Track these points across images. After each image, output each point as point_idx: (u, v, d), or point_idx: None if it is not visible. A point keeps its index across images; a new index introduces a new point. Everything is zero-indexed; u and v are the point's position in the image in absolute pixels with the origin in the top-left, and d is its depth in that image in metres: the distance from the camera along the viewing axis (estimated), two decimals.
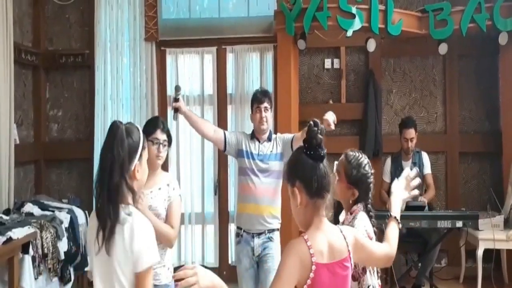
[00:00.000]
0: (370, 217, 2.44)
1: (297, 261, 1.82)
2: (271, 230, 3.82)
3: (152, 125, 3.16)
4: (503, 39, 5.13)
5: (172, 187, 3.12)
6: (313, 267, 1.83)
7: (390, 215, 2.36)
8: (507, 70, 5.38)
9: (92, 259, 2.12)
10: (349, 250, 1.93)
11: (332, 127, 3.54)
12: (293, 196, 1.93)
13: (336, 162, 2.51)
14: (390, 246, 2.25)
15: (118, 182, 2.02)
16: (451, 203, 5.71)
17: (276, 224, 3.85)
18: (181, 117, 3.81)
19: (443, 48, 5.21)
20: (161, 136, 3.09)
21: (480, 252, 4.91)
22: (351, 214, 2.42)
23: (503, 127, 5.48)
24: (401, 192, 2.46)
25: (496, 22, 5.06)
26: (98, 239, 2.02)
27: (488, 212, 5.03)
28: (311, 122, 1.92)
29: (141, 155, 2.11)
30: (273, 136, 3.93)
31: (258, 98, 3.88)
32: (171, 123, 5.69)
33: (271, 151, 3.85)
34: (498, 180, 5.56)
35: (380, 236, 2.40)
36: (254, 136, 3.91)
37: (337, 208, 2.53)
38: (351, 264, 1.95)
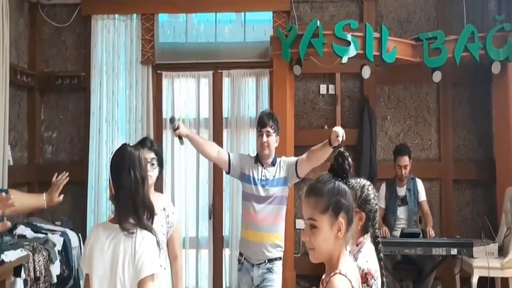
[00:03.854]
0: (377, 244, 2.40)
1: None
2: (272, 260, 3.73)
3: (140, 145, 3.16)
4: (496, 68, 5.19)
5: (171, 211, 3.09)
6: None
7: None
8: (500, 99, 5.44)
9: (91, 266, 2.29)
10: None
11: (340, 138, 3.45)
12: (332, 228, 1.84)
13: None
14: None
15: (144, 198, 2.30)
16: (445, 231, 5.71)
17: (277, 252, 3.76)
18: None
19: (437, 76, 5.26)
20: (148, 155, 3.05)
21: (474, 280, 4.89)
22: (357, 245, 2.38)
23: (496, 155, 5.52)
24: None
25: (489, 51, 5.12)
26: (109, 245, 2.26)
27: (482, 240, 5.03)
28: (341, 151, 1.92)
29: None
30: (278, 160, 3.84)
31: (262, 121, 3.80)
32: (166, 148, 5.74)
33: (273, 176, 3.76)
34: (492, 207, 5.58)
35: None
36: (258, 160, 3.83)
37: None
38: None
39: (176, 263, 3.16)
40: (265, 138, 3.75)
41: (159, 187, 3.22)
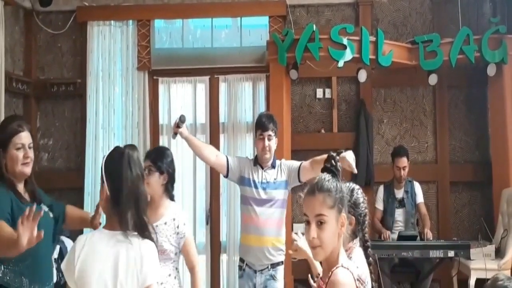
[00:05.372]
0: (366, 248, 2.40)
1: None
2: (275, 265, 3.71)
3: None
4: (491, 70, 5.20)
5: (182, 222, 3.04)
6: None
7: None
8: (496, 101, 5.45)
9: (84, 277, 2.13)
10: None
11: (354, 170, 3.37)
12: (337, 223, 1.94)
13: None
14: None
15: (145, 194, 2.27)
16: (442, 233, 5.71)
17: (280, 256, 3.74)
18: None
19: (433, 79, 5.28)
20: (144, 163, 3.02)
21: (472, 282, 4.90)
22: (346, 251, 2.37)
23: (493, 157, 5.53)
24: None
25: (484, 53, 5.14)
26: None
27: (479, 242, 5.03)
28: (333, 155, 2.04)
29: None
30: (277, 162, 3.80)
31: (262, 124, 3.74)
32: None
33: (275, 179, 3.73)
34: (489, 209, 5.59)
35: (375, 268, 2.40)
36: (257, 162, 3.79)
37: None
38: None
39: (193, 273, 3.14)
40: (267, 142, 3.72)
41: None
